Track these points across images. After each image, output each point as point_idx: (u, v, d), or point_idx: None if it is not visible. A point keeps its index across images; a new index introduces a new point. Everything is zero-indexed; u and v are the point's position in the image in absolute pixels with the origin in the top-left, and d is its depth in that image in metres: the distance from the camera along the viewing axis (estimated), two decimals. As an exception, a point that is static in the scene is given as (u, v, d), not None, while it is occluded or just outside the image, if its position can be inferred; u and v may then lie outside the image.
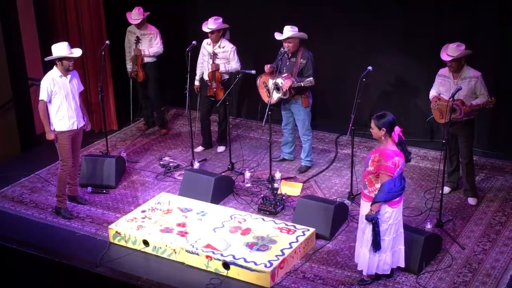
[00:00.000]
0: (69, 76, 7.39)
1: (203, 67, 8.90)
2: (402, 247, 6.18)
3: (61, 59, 7.28)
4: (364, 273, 6.19)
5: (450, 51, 7.13)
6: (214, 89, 8.73)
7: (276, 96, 8.06)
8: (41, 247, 7.04)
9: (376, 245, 5.96)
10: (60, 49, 7.28)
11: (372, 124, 5.91)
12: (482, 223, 7.25)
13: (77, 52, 7.41)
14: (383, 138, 5.89)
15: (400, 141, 5.89)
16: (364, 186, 6.02)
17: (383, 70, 8.79)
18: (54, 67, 7.36)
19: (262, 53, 8.95)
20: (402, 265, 6.23)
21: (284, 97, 8.05)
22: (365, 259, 6.10)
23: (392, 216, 5.95)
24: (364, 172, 6.05)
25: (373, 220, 5.87)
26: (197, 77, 9.04)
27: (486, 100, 7.10)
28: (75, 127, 7.46)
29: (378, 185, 5.87)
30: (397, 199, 5.93)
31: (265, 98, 8.26)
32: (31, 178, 8.59)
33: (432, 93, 7.49)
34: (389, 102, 9.11)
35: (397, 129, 5.85)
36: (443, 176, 7.30)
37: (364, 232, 6.05)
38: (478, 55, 7.31)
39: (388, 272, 6.21)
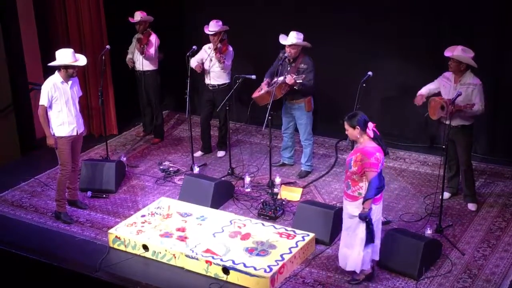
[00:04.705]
0: (70, 82, 7.35)
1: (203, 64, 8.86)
2: (378, 242, 6.24)
3: (66, 66, 7.23)
4: (358, 271, 6.21)
5: (456, 51, 7.14)
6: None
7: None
8: (41, 251, 7.03)
9: (371, 239, 6.03)
10: (64, 56, 7.20)
11: (346, 126, 5.95)
12: (482, 229, 7.24)
13: (82, 61, 7.32)
14: (359, 136, 5.92)
15: (376, 136, 5.92)
16: (348, 187, 6.03)
17: (383, 75, 8.79)
18: (56, 72, 7.32)
19: (263, 58, 8.94)
20: (376, 258, 6.31)
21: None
22: (358, 257, 6.12)
23: (375, 213, 6.02)
24: (346, 174, 6.07)
25: (367, 218, 5.91)
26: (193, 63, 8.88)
27: (477, 108, 7.08)
28: (74, 133, 7.44)
29: (362, 184, 5.90)
30: (379, 195, 5.99)
31: (265, 98, 8.15)
32: (31, 183, 8.59)
33: (421, 91, 7.46)
34: (389, 107, 9.13)
35: (370, 125, 5.88)
36: (443, 181, 7.30)
37: (355, 231, 6.06)
38: (477, 62, 7.31)
39: (370, 266, 6.28)
